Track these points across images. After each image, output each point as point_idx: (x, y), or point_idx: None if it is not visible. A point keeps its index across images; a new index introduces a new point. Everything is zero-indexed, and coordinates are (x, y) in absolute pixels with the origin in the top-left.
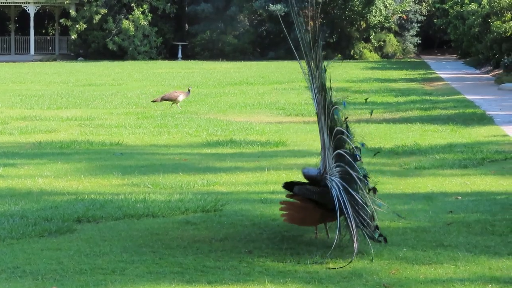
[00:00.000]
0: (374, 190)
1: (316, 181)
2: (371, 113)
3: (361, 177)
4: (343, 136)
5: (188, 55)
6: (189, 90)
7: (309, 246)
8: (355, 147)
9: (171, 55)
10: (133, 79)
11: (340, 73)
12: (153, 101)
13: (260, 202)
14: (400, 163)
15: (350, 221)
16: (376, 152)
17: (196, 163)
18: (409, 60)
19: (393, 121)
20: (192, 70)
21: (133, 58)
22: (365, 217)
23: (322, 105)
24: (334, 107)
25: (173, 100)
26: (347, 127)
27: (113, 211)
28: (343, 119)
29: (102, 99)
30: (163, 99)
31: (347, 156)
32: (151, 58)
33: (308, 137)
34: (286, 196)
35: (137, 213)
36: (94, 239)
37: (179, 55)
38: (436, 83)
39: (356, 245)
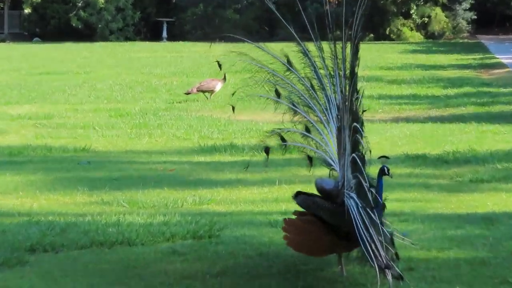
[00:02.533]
0: (383, 207)
1: (332, 196)
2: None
3: (372, 190)
4: (358, 136)
5: (176, 35)
6: (224, 77)
7: (333, 285)
8: (383, 156)
9: (154, 35)
10: (104, 66)
11: (372, 58)
12: (187, 93)
13: (269, 226)
14: (450, 175)
15: (372, 251)
16: (382, 156)
17: (185, 174)
18: (461, 41)
19: (441, 119)
20: (181, 54)
21: (104, 38)
22: (383, 244)
23: (345, 96)
24: (357, 96)
25: (211, 91)
26: (361, 123)
27: (77, 237)
28: (361, 112)
29: (64, 91)
30: (199, 90)
31: (359, 162)
32: (127, 39)
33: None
34: (293, 213)
35: (109, 240)
36: (52, 274)
37: (164, 34)
38: (496, 71)
39: (390, 281)
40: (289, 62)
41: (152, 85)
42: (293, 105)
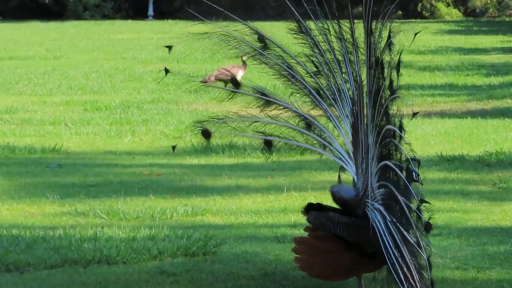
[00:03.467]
0: (428, 227)
1: (351, 207)
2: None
3: (412, 207)
4: (394, 141)
5: (164, 12)
6: (244, 62)
7: None
8: (412, 158)
9: (137, 12)
10: (78, 50)
11: (401, 40)
12: (203, 82)
13: (276, 241)
14: (493, 180)
15: (404, 275)
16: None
17: (175, 179)
18: (508, 19)
19: (483, 114)
20: (169, 35)
21: (78, 16)
22: (417, 268)
23: (369, 88)
24: (395, 95)
25: (231, 80)
26: (401, 126)
27: (46, 254)
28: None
29: (30, 80)
30: (218, 78)
31: (398, 172)
32: (105, 17)
33: None
34: (304, 229)
35: (84, 258)
36: None
37: (150, 12)
38: None
39: None
40: (264, 44)
41: (135, 73)
42: (263, 94)
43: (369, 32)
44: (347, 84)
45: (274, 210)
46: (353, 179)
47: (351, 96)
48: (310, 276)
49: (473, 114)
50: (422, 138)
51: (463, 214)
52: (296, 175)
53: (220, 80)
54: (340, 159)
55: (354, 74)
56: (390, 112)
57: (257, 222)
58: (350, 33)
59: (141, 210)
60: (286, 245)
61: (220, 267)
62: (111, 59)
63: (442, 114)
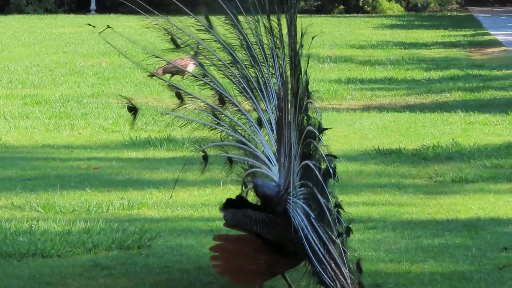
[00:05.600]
0: (348, 231)
1: (271, 203)
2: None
3: (331, 207)
4: (314, 142)
5: (106, 7)
6: (196, 53)
7: None
8: (327, 154)
9: (80, 6)
10: (19, 44)
11: (341, 34)
12: (151, 76)
13: (210, 234)
14: (429, 174)
15: (334, 271)
16: (328, 155)
17: (113, 173)
18: (449, 14)
19: (421, 108)
20: (112, 30)
21: (20, 10)
22: (346, 264)
23: (293, 89)
24: (308, 100)
25: (181, 72)
26: (319, 127)
27: None
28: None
29: None
30: (166, 71)
31: (317, 173)
32: (47, 11)
33: None
34: (224, 225)
35: (19, 251)
36: None
37: (92, 6)
38: (490, 50)
39: None
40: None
41: (76, 67)
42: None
43: (292, 28)
44: (273, 79)
45: (210, 204)
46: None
47: (277, 91)
48: (233, 282)
49: (411, 108)
50: (360, 132)
51: (399, 207)
52: (233, 169)
53: (168, 73)
54: (263, 154)
55: (281, 70)
56: (309, 112)
57: (193, 215)
58: (278, 28)
59: (77, 204)
60: None
61: (154, 260)
62: (52, 53)
63: (380, 108)
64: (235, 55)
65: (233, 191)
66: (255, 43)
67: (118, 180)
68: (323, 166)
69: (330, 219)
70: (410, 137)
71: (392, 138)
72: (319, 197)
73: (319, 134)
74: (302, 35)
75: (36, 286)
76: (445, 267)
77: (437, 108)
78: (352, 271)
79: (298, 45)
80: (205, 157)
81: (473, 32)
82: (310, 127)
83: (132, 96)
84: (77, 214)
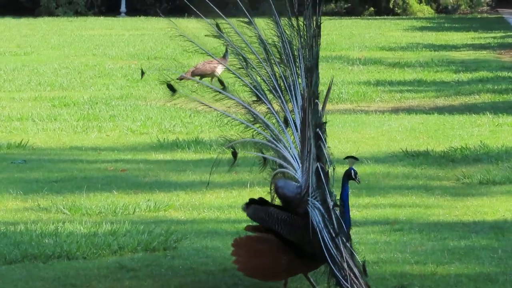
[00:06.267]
0: (348, 237)
1: (292, 204)
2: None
3: (336, 209)
4: (321, 144)
5: (136, 9)
6: (225, 55)
7: None
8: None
9: (110, 9)
10: (48, 46)
11: (371, 36)
12: (180, 79)
13: (236, 236)
14: (457, 175)
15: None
16: (349, 157)
17: (140, 175)
18: (479, 16)
19: (450, 110)
20: (142, 32)
21: (50, 12)
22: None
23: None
24: (316, 101)
25: (210, 75)
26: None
27: (6, 249)
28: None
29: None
30: (195, 74)
31: (322, 174)
32: (77, 13)
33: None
34: (245, 228)
35: (44, 253)
36: None
37: (122, 8)
38: None
39: None
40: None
41: (105, 69)
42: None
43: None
44: (299, 79)
45: (237, 206)
46: (296, 176)
47: (302, 92)
48: (250, 277)
49: (440, 110)
50: (388, 134)
51: (425, 209)
52: (260, 171)
53: (197, 75)
54: (289, 153)
55: (305, 71)
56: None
57: (219, 217)
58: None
59: (104, 206)
60: None
61: (180, 262)
62: (81, 55)
63: (409, 110)
64: (270, 53)
65: (260, 193)
66: (287, 42)
67: (145, 182)
68: (327, 167)
69: (335, 220)
70: (438, 139)
71: (420, 140)
72: (328, 199)
73: (323, 134)
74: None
75: None
76: (471, 269)
77: (465, 110)
78: (360, 273)
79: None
80: (235, 154)
81: (503, 34)
82: (318, 131)
83: (160, 98)
84: (103, 216)
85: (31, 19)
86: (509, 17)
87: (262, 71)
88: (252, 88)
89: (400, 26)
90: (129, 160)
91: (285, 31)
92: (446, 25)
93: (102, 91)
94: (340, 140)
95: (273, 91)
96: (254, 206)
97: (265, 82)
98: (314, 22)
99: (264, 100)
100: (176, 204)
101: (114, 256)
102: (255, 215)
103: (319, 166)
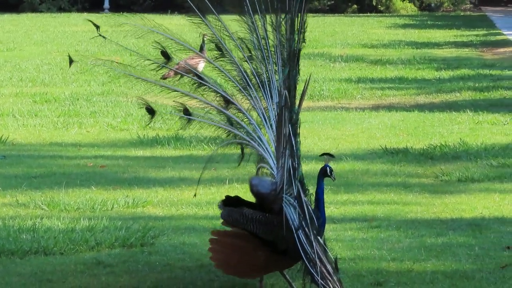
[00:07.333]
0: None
1: (267, 202)
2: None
3: (309, 206)
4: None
5: (120, 5)
6: (202, 47)
7: None
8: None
9: (93, 5)
10: (31, 42)
11: (354, 33)
12: (164, 78)
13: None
14: (435, 173)
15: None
16: (325, 154)
17: (119, 171)
18: (462, 13)
19: (431, 107)
20: (125, 28)
21: (33, 9)
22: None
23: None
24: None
25: (193, 71)
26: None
27: None
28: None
29: None
30: (177, 72)
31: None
32: (61, 10)
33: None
34: (222, 223)
35: (21, 249)
36: None
37: (106, 5)
38: (502, 49)
39: None
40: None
41: (87, 65)
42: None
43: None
44: (276, 76)
45: (215, 202)
46: (272, 172)
47: (278, 88)
48: (227, 274)
49: (421, 107)
50: (368, 131)
51: (404, 206)
52: (239, 167)
53: (181, 73)
54: (264, 150)
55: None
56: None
57: (197, 213)
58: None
59: (82, 202)
60: None
61: (156, 258)
62: (64, 51)
63: (390, 107)
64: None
65: (238, 190)
66: (263, 38)
67: (124, 178)
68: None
69: (308, 217)
70: (418, 136)
71: (400, 137)
72: (302, 195)
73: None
74: (300, 32)
75: (37, 284)
76: (447, 266)
77: (446, 108)
78: (333, 269)
79: (298, 43)
80: (149, 109)
81: (486, 32)
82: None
83: (140, 94)
84: (81, 212)
85: (14, 15)
86: (492, 15)
87: (234, 67)
88: (232, 79)
89: (383, 24)
90: (109, 156)
91: (258, 26)
92: (429, 22)
93: (83, 87)
94: (320, 137)
95: (248, 88)
96: (228, 208)
97: (243, 78)
98: (297, 19)
99: (234, 102)
100: (154, 200)
101: (91, 252)
102: (230, 217)
103: (292, 163)
